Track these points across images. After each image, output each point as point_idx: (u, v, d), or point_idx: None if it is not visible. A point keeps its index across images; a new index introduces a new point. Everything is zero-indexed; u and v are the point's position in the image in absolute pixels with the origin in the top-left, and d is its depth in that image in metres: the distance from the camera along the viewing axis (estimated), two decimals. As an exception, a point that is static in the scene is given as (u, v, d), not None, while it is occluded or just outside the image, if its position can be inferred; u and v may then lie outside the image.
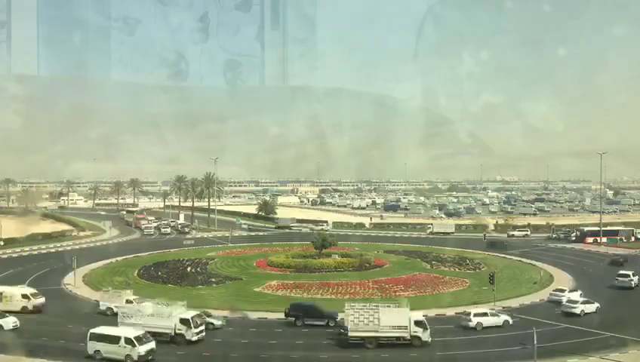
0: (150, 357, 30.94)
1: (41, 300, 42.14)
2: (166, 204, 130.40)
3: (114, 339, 31.18)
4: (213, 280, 54.07)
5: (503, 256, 68.00)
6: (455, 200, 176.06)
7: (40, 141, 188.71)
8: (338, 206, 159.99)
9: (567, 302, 41.64)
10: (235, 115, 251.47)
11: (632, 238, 78.96)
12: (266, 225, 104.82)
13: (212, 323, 36.77)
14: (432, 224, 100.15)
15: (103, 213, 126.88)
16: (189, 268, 59.86)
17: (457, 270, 58.98)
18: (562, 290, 45.77)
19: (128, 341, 30.69)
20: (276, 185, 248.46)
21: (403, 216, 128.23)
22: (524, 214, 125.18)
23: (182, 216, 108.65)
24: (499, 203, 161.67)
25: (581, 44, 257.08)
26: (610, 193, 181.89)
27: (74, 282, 51.61)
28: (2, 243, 75.12)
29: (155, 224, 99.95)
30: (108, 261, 64.25)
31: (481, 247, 74.45)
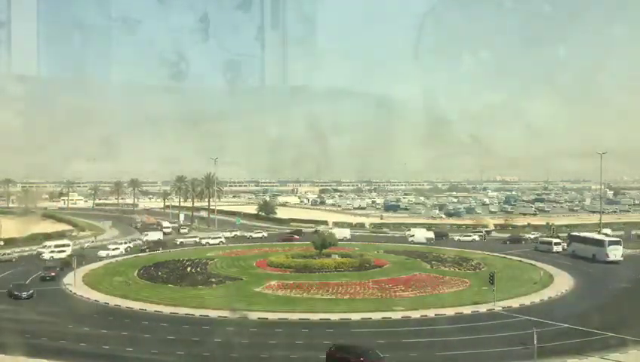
0: None
1: None
2: (166, 204, 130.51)
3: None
4: (213, 280, 54.00)
5: (503, 256, 68.04)
6: (455, 200, 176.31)
7: (40, 141, 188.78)
8: (338, 206, 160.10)
9: None
10: (235, 115, 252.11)
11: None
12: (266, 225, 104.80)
13: None
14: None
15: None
16: (188, 268, 59.87)
17: (457, 270, 58.96)
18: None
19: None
20: (276, 185, 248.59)
21: (407, 215, 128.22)
22: (524, 214, 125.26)
23: (182, 216, 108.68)
24: (499, 203, 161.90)
25: (581, 44, 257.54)
26: (610, 193, 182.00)
27: (74, 282, 51.62)
28: (2, 243, 75.17)
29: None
30: (108, 261, 64.41)
31: (480, 247, 74.46)
